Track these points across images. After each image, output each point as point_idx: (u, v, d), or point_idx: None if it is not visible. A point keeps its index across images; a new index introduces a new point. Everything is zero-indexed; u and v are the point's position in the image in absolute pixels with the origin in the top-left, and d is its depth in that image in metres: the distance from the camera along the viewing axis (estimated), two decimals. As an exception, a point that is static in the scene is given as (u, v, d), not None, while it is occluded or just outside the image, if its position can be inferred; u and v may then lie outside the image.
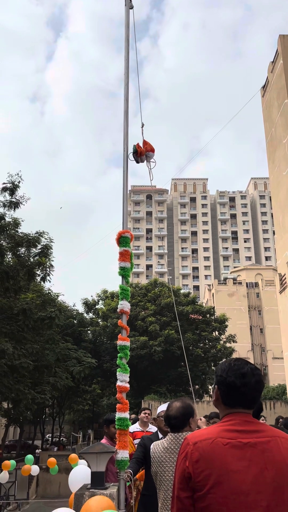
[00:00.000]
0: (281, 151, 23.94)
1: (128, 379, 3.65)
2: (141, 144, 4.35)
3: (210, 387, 38.97)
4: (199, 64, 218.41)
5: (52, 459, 12.39)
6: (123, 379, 3.60)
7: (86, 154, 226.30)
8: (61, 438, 44.44)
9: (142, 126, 4.42)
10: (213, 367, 36.81)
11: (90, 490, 3.28)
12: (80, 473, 4.29)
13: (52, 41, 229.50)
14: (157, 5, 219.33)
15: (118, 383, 3.60)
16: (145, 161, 4.38)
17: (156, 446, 2.99)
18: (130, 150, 4.29)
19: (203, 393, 37.35)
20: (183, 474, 1.64)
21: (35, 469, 13.38)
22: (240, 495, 1.54)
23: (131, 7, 4.59)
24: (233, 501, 1.53)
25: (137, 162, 4.35)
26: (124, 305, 3.84)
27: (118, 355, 3.70)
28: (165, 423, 2.99)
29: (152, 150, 4.37)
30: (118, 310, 3.90)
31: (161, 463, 2.85)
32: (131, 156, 4.28)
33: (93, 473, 3.38)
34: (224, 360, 1.92)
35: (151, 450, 3.05)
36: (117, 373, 3.64)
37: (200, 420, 6.82)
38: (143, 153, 4.31)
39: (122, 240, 3.98)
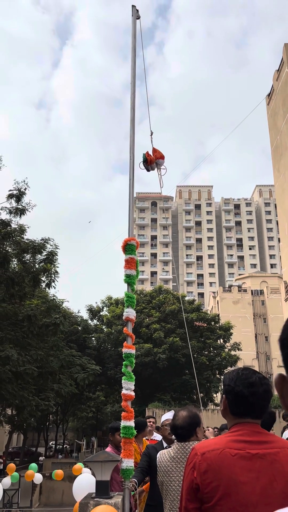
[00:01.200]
0: (287, 159, 23.95)
1: (133, 387, 3.64)
2: (150, 152, 4.37)
3: (215, 395, 38.70)
4: (204, 71, 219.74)
5: (60, 472, 12.33)
6: (128, 387, 3.59)
7: (91, 161, 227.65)
8: (64, 446, 44.22)
9: (151, 134, 4.44)
10: (218, 375, 36.58)
11: (95, 499, 3.25)
12: (85, 482, 4.26)
13: (58, 49, 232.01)
14: (162, 13, 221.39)
15: (124, 391, 3.59)
16: (156, 169, 4.40)
17: (162, 456, 2.97)
18: (140, 159, 4.31)
19: (208, 401, 37.09)
20: (191, 485, 1.63)
21: (38, 478, 13.30)
22: (248, 507, 1.52)
23: (138, 18, 4.64)
24: None
25: (148, 170, 4.37)
26: (130, 313, 3.84)
27: (124, 363, 3.70)
28: (171, 432, 2.97)
29: (162, 157, 4.39)
30: (123, 317, 3.90)
31: (168, 473, 2.83)
32: (141, 165, 4.31)
33: (97, 482, 3.35)
34: (232, 369, 1.90)
35: (157, 459, 3.02)
36: (123, 381, 3.63)
37: (208, 430, 6.76)
38: (152, 161, 4.33)
39: (128, 247, 3.99)
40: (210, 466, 1.59)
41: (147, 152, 4.34)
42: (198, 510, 1.60)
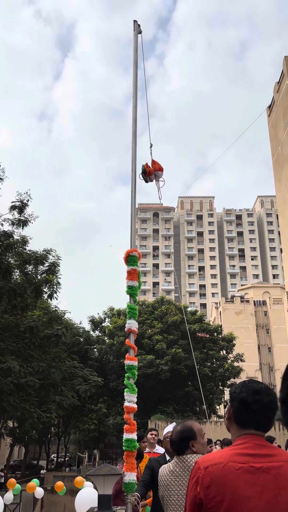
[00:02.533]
0: (288, 169, 24.08)
1: (135, 400, 3.62)
2: (149, 164, 4.41)
3: (217, 407, 38.35)
4: (204, 83, 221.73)
5: (60, 483, 12.20)
6: (130, 400, 3.57)
7: (93, 171, 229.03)
8: (66, 458, 43.75)
9: (151, 147, 4.48)
10: (220, 387, 36.28)
11: (97, 513, 3.21)
12: (87, 496, 4.21)
13: (59, 61, 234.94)
14: (163, 25, 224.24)
15: (126, 403, 3.57)
16: (154, 180, 4.44)
17: (163, 470, 2.96)
18: (139, 170, 4.35)
19: (211, 413, 36.74)
20: (194, 500, 1.61)
21: (39, 492, 13.15)
22: None
23: (140, 32, 4.71)
24: None
25: (146, 181, 4.41)
26: (132, 324, 3.83)
27: (126, 375, 3.68)
28: (170, 446, 2.97)
29: (161, 169, 4.43)
30: (126, 329, 3.89)
31: (167, 487, 2.80)
32: (140, 176, 4.35)
33: (100, 496, 3.31)
34: (236, 380, 1.87)
35: (159, 474, 3.00)
36: (125, 393, 3.61)
37: (215, 448, 6.66)
38: (151, 172, 4.36)
39: (130, 259, 3.99)
40: (214, 480, 1.57)
41: (146, 164, 4.38)
42: None
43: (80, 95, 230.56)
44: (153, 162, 4.43)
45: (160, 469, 3.03)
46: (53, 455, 45.87)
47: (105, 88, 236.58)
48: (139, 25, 4.75)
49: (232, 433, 1.78)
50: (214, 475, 1.57)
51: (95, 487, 3.75)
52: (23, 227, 21.85)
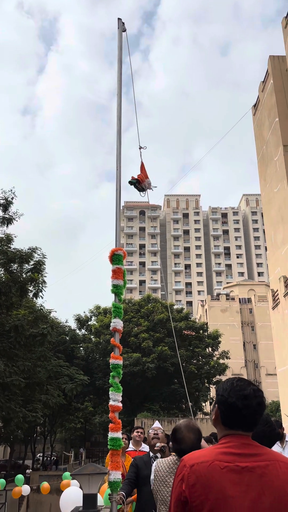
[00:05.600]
0: (272, 168, 24.29)
1: (120, 399, 3.62)
2: (139, 167, 4.39)
3: (203, 404, 38.59)
4: (189, 79, 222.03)
5: (46, 485, 12.14)
6: (115, 399, 3.57)
7: (78, 168, 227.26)
8: (52, 457, 43.57)
9: (140, 148, 4.45)
10: (206, 384, 36.52)
11: (82, 513, 3.20)
12: (72, 495, 4.20)
13: (43, 54, 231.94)
14: (148, 20, 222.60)
15: (111, 402, 3.57)
16: (147, 188, 4.44)
17: (160, 464, 2.94)
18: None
19: (197, 410, 36.95)
20: (179, 497, 1.60)
21: (25, 489, 13.07)
22: None
23: (124, 30, 4.69)
24: None
25: (140, 190, 4.42)
26: (117, 323, 3.83)
27: (111, 374, 3.67)
28: (177, 454, 2.90)
29: (147, 177, 4.42)
30: (111, 328, 3.89)
31: (164, 483, 2.80)
32: (133, 187, 4.37)
33: (85, 496, 3.30)
34: (226, 378, 1.85)
35: (154, 467, 3.00)
36: (110, 392, 3.61)
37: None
38: (143, 180, 4.35)
39: (115, 257, 3.99)
40: (199, 479, 1.56)
41: (137, 176, 4.35)
42: None
43: (64, 89, 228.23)
44: (142, 165, 4.41)
45: (156, 463, 3.02)
46: (39, 455, 45.63)
47: (89, 83, 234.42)
48: (123, 23, 4.73)
49: (218, 431, 1.77)
50: (200, 474, 1.57)
51: (80, 487, 3.73)
52: (7, 225, 21.66)
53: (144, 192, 4.52)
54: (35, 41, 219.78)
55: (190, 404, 32.03)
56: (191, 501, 1.56)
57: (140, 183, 4.36)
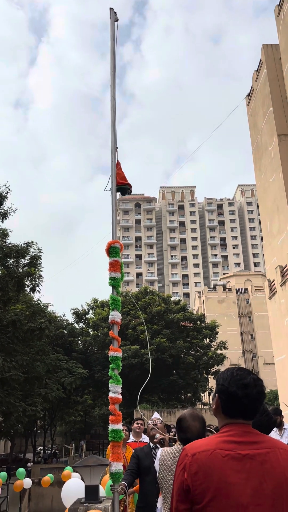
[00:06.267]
0: (267, 158, 24.25)
1: (120, 390, 3.63)
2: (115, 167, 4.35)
3: (202, 394, 38.86)
4: (182, 69, 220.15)
5: (46, 478, 12.21)
6: (115, 391, 3.58)
7: (72, 161, 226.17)
8: (53, 450, 43.84)
9: (116, 149, 4.40)
10: (205, 375, 36.75)
11: (84, 504, 3.23)
12: (73, 487, 4.22)
13: (34, 46, 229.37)
14: (139, 9, 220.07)
15: (111, 394, 3.58)
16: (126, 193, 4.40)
17: (165, 453, 2.97)
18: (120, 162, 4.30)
19: (196, 400, 37.23)
20: (181, 486, 1.62)
21: (27, 482, 13.16)
22: (239, 508, 1.52)
23: (116, 20, 4.63)
24: None
25: (126, 193, 4.42)
26: (115, 316, 3.83)
27: (110, 366, 3.68)
28: (182, 443, 2.93)
29: (124, 179, 4.38)
30: (109, 320, 3.89)
31: (170, 472, 2.83)
32: (121, 193, 4.36)
33: (87, 487, 3.33)
34: (226, 368, 1.87)
35: (160, 456, 3.03)
36: (110, 384, 3.62)
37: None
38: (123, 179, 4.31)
39: (112, 250, 3.98)
40: (201, 467, 1.58)
41: (118, 180, 4.28)
42: (189, 511, 1.59)
43: (56, 81, 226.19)
44: (118, 164, 4.36)
45: (161, 452, 3.05)
46: (39, 448, 45.90)
47: (82, 74, 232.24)
48: (115, 13, 4.66)
49: (219, 420, 1.80)
50: (201, 462, 1.59)
51: (82, 479, 3.76)
52: (2, 220, 21.58)
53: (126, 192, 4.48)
54: (26, 33, 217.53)
55: (188, 395, 32.27)
56: (193, 489, 1.58)
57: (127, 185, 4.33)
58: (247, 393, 1.72)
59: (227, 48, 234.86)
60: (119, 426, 3.50)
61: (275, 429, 6.36)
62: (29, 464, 31.30)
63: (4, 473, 11.86)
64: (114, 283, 3.92)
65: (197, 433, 2.76)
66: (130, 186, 4.39)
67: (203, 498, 1.55)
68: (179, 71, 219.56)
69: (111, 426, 3.49)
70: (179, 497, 1.63)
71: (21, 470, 12.75)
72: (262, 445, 1.64)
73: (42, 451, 44.76)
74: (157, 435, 4.30)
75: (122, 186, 4.33)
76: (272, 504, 1.54)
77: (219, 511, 1.52)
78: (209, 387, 38.14)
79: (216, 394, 1.81)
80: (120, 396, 3.61)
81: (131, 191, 4.48)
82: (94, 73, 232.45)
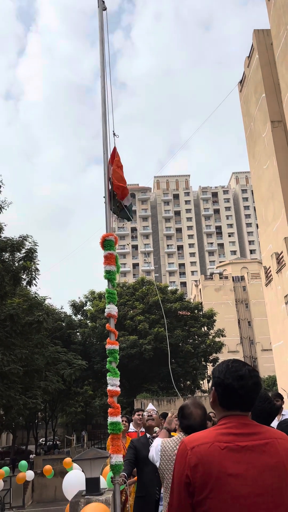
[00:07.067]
0: (261, 145, 24.16)
1: (118, 383, 3.64)
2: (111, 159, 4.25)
3: (201, 382, 39.18)
4: (173, 56, 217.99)
5: (48, 467, 12.33)
6: (113, 383, 3.59)
7: (65, 152, 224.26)
8: (55, 442, 44.23)
9: (114, 135, 4.35)
10: (203, 363, 37.02)
11: (85, 497, 3.26)
12: (74, 479, 4.26)
13: (22, 36, 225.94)
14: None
15: (109, 387, 3.59)
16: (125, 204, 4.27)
17: (167, 444, 3.00)
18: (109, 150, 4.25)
19: (195, 388, 37.55)
20: (182, 479, 1.63)
21: (30, 474, 13.27)
22: (239, 499, 1.54)
23: (104, 9, 4.56)
24: (232, 505, 1.53)
25: (122, 217, 4.32)
26: (112, 309, 3.83)
27: (108, 359, 3.69)
28: (184, 431, 2.95)
29: (122, 179, 4.22)
30: (105, 314, 3.89)
31: (172, 462, 2.86)
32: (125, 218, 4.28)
33: (87, 479, 3.35)
34: (222, 361, 1.88)
35: (161, 446, 3.06)
36: (107, 377, 3.63)
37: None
38: (122, 191, 4.16)
39: (106, 243, 3.96)
40: (200, 460, 1.59)
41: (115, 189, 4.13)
42: (189, 504, 1.60)
43: (46, 71, 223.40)
44: (114, 151, 4.29)
45: (161, 442, 3.08)
46: (41, 439, 46.25)
47: (72, 63, 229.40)
48: (103, 1, 4.59)
49: (216, 412, 1.81)
50: (201, 455, 1.60)
51: (82, 471, 3.78)
52: (-3, 214, 21.42)
53: (128, 219, 4.34)
54: (14, 22, 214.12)
55: (188, 383, 32.50)
56: (193, 481, 1.59)
57: (119, 196, 4.17)
58: (243, 385, 1.73)
59: (218, 34, 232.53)
60: (118, 419, 3.53)
61: None
62: (31, 456, 31.57)
63: (6, 468, 11.96)
64: (109, 276, 3.91)
65: (200, 420, 2.82)
66: (126, 189, 4.26)
67: (203, 490, 1.56)
68: (171, 58, 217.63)
69: (110, 419, 3.51)
70: (180, 490, 1.64)
71: (23, 462, 12.86)
72: (261, 436, 1.66)
73: (44, 442, 45.14)
74: (156, 429, 4.35)
75: (120, 202, 4.20)
76: (272, 494, 1.56)
77: (219, 502, 1.54)
78: (208, 374, 38.45)
79: (213, 387, 1.82)
80: (118, 389, 3.62)
81: (131, 217, 4.36)
82: (85, 62, 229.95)
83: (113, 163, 4.23)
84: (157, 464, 3.07)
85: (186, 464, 1.62)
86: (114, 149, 4.33)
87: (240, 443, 1.62)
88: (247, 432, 1.66)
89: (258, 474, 1.57)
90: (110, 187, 4.16)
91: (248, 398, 1.74)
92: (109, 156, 4.23)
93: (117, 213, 4.30)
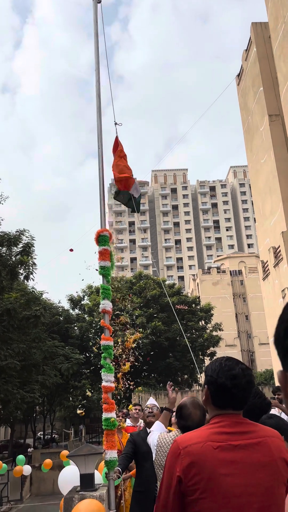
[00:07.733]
0: (259, 139, 24.09)
1: (113, 379, 3.64)
2: (116, 147, 4.22)
3: (199, 376, 39.35)
4: (171, 48, 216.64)
5: (48, 461, 12.42)
6: (108, 379, 3.59)
7: (62, 146, 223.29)
8: (53, 436, 44.40)
9: (116, 124, 4.32)
10: (201, 357, 37.14)
11: (80, 492, 3.26)
12: (70, 474, 4.27)
13: (18, 28, 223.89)
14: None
15: (103, 383, 3.59)
16: (135, 191, 4.22)
17: (163, 439, 2.99)
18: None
19: (193, 382, 37.71)
20: (173, 478, 1.62)
21: (27, 469, 13.36)
22: (232, 498, 1.53)
23: (99, 1, 4.51)
24: (225, 505, 1.52)
25: (129, 206, 4.26)
26: (106, 305, 3.82)
27: (102, 355, 3.69)
28: (181, 430, 2.94)
29: (127, 168, 4.18)
30: (100, 310, 3.88)
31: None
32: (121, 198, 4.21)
33: (82, 475, 3.35)
34: (215, 359, 1.86)
35: (158, 440, 3.05)
36: (102, 373, 3.63)
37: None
38: (126, 182, 4.13)
39: (101, 239, 3.94)
40: (193, 460, 1.58)
41: (116, 180, 4.09)
42: (178, 504, 1.59)
43: (43, 64, 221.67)
44: (116, 141, 4.26)
45: (159, 437, 3.07)
46: (39, 433, 46.41)
47: (69, 56, 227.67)
48: (98, -6, 4.53)
49: (209, 411, 1.80)
50: (193, 455, 1.59)
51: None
52: (-7, 209, 21.32)
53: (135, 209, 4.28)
54: (10, 14, 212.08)
55: (185, 377, 32.62)
56: (185, 481, 1.58)
57: (121, 187, 4.12)
58: (236, 384, 1.72)
59: (216, 26, 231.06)
60: (113, 415, 3.52)
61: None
62: (29, 450, 31.70)
63: (4, 465, 12.03)
64: (104, 272, 3.90)
65: (198, 421, 2.78)
66: (131, 178, 4.22)
67: (195, 490, 1.55)
68: (168, 51, 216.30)
69: (104, 415, 3.51)
70: (169, 489, 1.63)
71: (21, 457, 12.94)
72: (254, 434, 1.65)
73: (42, 436, 45.29)
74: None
75: (125, 192, 4.16)
76: (264, 492, 1.55)
77: (211, 502, 1.53)
78: (204, 377, 38.59)
79: (205, 386, 1.81)
80: (113, 385, 3.62)
81: (138, 210, 4.30)
82: (81, 54, 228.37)
83: (115, 153, 4.20)
84: (153, 459, 3.07)
85: (178, 464, 1.61)
86: (116, 138, 4.29)
87: (233, 442, 1.61)
88: (240, 431, 1.65)
89: (251, 473, 1.56)
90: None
91: (241, 397, 1.73)
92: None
93: (124, 202, 4.29)
